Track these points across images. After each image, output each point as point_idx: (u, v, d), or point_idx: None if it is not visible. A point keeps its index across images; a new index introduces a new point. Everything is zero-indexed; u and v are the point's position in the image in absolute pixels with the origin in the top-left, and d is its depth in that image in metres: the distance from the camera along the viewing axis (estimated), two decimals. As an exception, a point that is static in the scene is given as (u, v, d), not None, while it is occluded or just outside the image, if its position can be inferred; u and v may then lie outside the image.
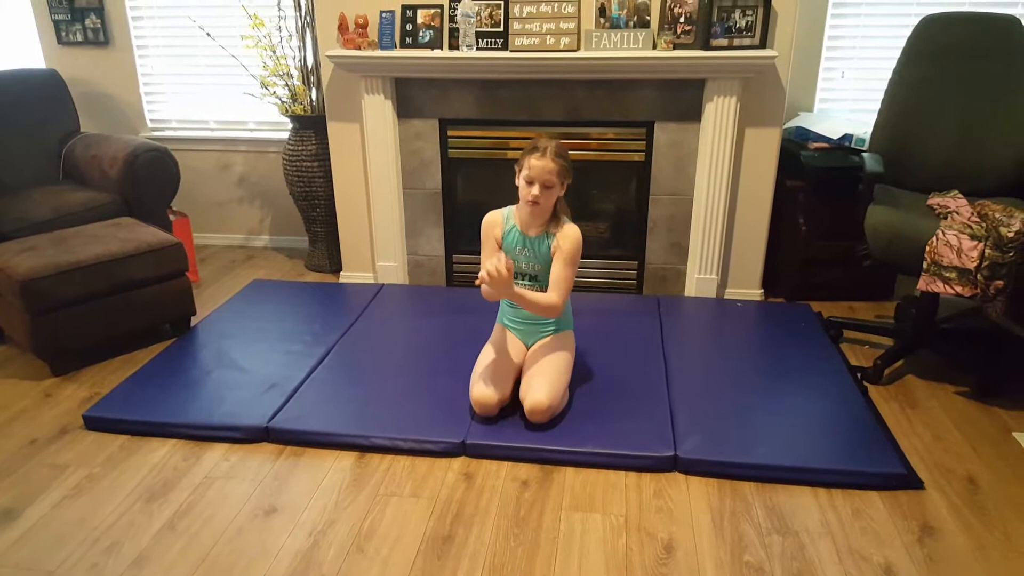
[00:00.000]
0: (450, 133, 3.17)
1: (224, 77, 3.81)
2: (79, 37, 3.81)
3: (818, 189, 3.07)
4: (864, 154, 2.69)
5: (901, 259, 2.46)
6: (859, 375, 2.58)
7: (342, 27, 3.04)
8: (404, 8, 3.00)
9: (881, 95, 2.78)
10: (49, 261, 2.60)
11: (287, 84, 3.41)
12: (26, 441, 2.32)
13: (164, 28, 3.79)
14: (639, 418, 2.30)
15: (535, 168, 2.23)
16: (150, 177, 3.31)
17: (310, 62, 3.41)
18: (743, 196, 3.12)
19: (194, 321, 3.05)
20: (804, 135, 3.14)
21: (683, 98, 2.97)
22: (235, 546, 1.87)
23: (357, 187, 3.35)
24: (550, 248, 2.35)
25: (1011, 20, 2.64)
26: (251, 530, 1.92)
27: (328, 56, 3.02)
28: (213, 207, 4.06)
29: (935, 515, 1.96)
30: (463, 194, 3.33)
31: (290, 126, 3.52)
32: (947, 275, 2.31)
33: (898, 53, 2.75)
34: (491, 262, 2.16)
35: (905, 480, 2.06)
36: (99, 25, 3.77)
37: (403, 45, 3.03)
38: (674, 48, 2.84)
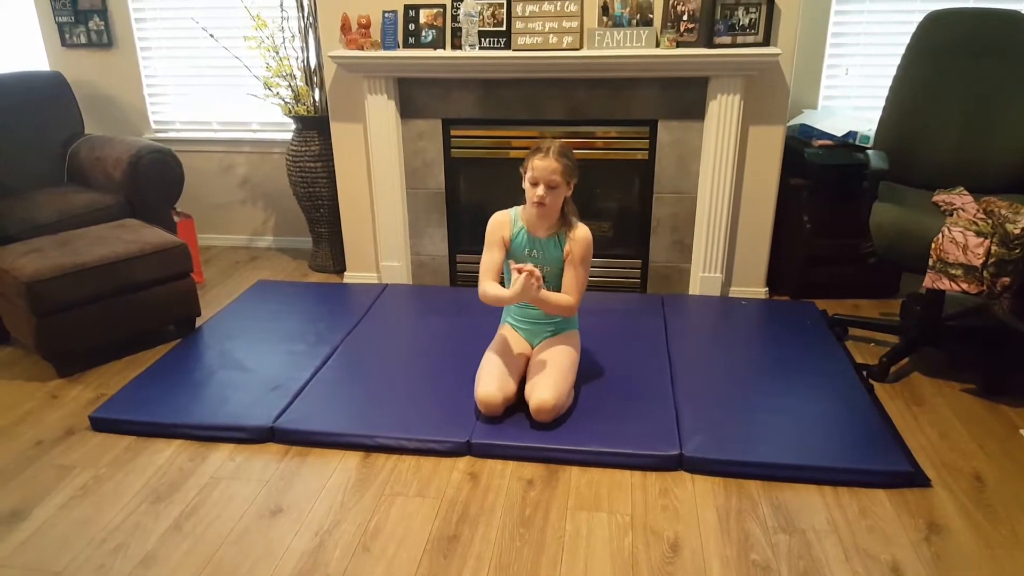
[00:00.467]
0: (453, 133, 3.17)
1: (227, 78, 3.81)
2: (83, 39, 3.82)
3: (822, 186, 3.07)
4: (869, 151, 2.68)
5: (906, 256, 2.45)
6: (865, 373, 2.58)
7: (345, 27, 3.04)
8: (407, 8, 3.00)
9: (885, 92, 2.77)
10: (54, 263, 2.61)
11: (290, 85, 3.41)
12: (32, 442, 2.33)
13: (167, 30, 3.80)
14: (644, 417, 2.29)
15: (539, 169, 2.23)
16: (154, 179, 3.32)
17: (313, 63, 3.42)
18: (747, 194, 3.12)
19: (199, 322, 3.05)
20: (808, 132, 3.13)
21: (686, 96, 2.96)
22: (241, 546, 1.87)
23: (360, 187, 3.35)
24: (562, 251, 2.35)
25: (1016, 16, 2.63)
26: (257, 530, 1.93)
27: (331, 56, 3.02)
28: (217, 208, 4.06)
29: (942, 513, 1.95)
30: (466, 194, 3.33)
31: (293, 127, 3.52)
32: (953, 272, 2.30)
33: (902, 50, 2.74)
34: (528, 266, 2.19)
35: (912, 478, 2.06)
36: (103, 27, 3.78)
37: (406, 45, 3.03)
38: (677, 46, 2.84)
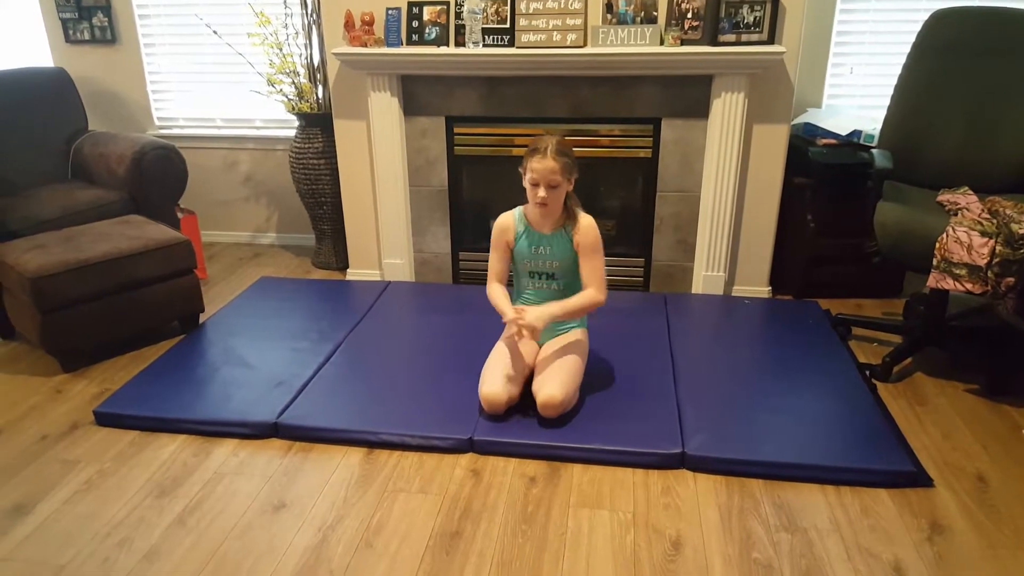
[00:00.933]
0: (456, 130, 3.17)
1: (231, 75, 3.82)
2: (86, 35, 3.82)
3: (826, 186, 3.06)
4: (873, 150, 2.68)
5: (911, 256, 2.45)
6: (867, 372, 2.58)
7: (348, 24, 3.04)
8: (410, 5, 3.00)
9: (890, 91, 2.77)
10: (58, 259, 2.62)
11: (293, 82, 3.41)
12: (37, 437, 2.34)
13: (171, 26, 3.80)
14: (647, 415, 2.30)
15: (538, 170, 2.23)
16: (158, 175, 3.32)
17: (316, 59, 3.42)
18: (751, 193, 3.11)
19: (202, 318, 3.06)
20: (812, 131, 3.12)
21: (690, 94, 2.96)
22: (244, 542, 1.88)
23: (363, 184, 3.35)
24: (570, 244, 2.36)
25: (1022, 15, 2.62)
26: (260, 526, 1.93)
27: (334, 53, 3.02)
28: (220, 205, 4.07)
29: (944, 513, 1.95)
30: (469, 191, 3.33)
31: (296, 124, 3.53)
32: (957, 272, 2.30)
33: (907, 48, 2.74)
34: (519, 320, 2.26)
35: (914, 478, 2.06)
36: (106, 23, 3.78)
37: (409, 42, 3.03)
38: (681, 44, 2.83)
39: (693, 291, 3.25)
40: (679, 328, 2.89)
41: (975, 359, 2.65)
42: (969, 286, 2.29)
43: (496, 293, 2.42)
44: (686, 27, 2.84)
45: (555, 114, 3.07)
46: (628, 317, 3.00)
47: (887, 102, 2.77)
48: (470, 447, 2.22)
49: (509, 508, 1.98)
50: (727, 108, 2.92)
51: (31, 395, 2.58)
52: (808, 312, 3.03)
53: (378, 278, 3.49)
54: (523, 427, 2.25)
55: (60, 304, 2.61)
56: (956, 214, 2.40)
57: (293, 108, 3.44)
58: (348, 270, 3.55)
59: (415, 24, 3.01)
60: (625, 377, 2.52)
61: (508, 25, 2.92)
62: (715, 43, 2.83)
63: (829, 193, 3.07)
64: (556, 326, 2.46)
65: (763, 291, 3.27)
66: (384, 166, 3.23)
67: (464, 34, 2.94)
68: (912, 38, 2.73)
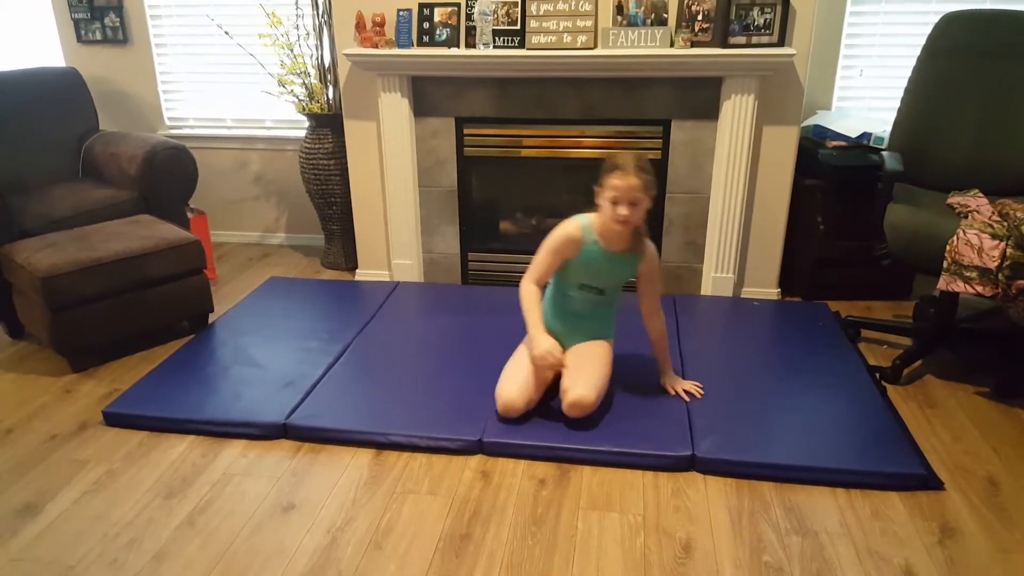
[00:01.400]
0: (466, 131, 3.17)
1: (241, 75, 3.83)
2: (98, 36, 3.84)
3: (836, 188, 3.05)
4: (883, 152, 2.67)
5: (921, 258, 2.44)
6: (877, 375, 2.57)
7: (359, 25, 3.05)
8: (421, 6, 3.00)
9: (900, 93, 2.76)
10: (70, 258, 2.63)
11: (304, 82, 3.42)
12: (46, 436, 2.35)
13: (182, 27, 3.82)
14: (656, 417, 2.29)
15: (620, 188, 2.15)
16: (168, 175, 3.34)
17: (327, 60, 3.42)
18: (760, 194, 3.11)
19: (212, 318, 3.07)
20: (822, 133, 3.11)
21: (700, 96, 2.95)
22: (253, 543, 1.88)
23: (373, 185, 3.35)
24: (634, 269, 2.33)
25: (1034, 17, 2.61)
26: (269, 527, 1.93)
27: (345, 54, 3.03)
28: (230, 205, 4.08)
29: (955, 516, 1.94)
30: (479, 192, 3.33)
31: (307, 124, 3.53)
32: (968, 274, 2.29)
33: (917, 51, 2.73)
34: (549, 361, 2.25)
35: (925, 481, 2.05)
36: (118, 24, 3.80)
37: (420, 43, 3.04)
38: (692, 46, 2.83)
39: (702, 292, 3.24)
40: (688, 330, 2.88)
41: (985, 362, 2.64)
42: (979, 289, 2.28)
43: (530, 297, 2.33)
44: (696, 29, 2.83)
45: (565, 115, 3.07)
46: (637, 319, 2.98)
47: (897, 104, 2.76)
48: (479, 448, 2.22)
49: (519, 510, 1.98)
50: (737, 110, 2.91)
51: (40, 395, 2.59)
52: (818, 314, 3.02)
53: (387, 278, 3.49)
54: (533, 429, 2.25)
55: (70, 303, 2.62)
56: (966, 216, 2.39)
57: (303, 108, 3.45)
58: (357, 270, 3.56)
59: (426, 25, 3.01)
60: (635, 379, 2.51)
61: (519, 27, 2.92)
62: (725, 45, 2.82)
63: (839, 195, 3.06)
64: (585, 332, 2.42)
65: (772, 293, 3.26)
66: (394, 167, 3.23)
67: (475, 35, 2.95)
68: (922, 40, 2.72)
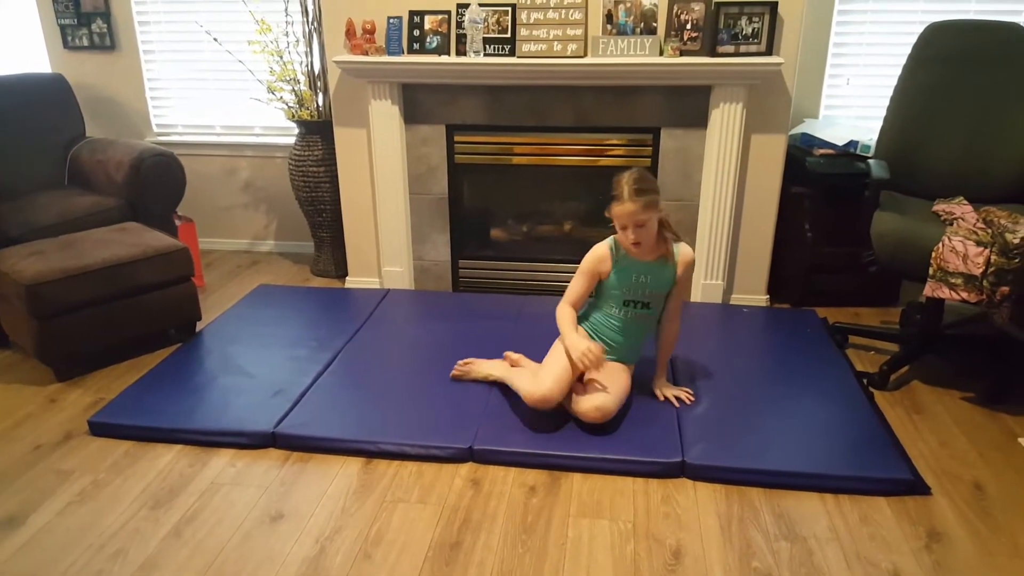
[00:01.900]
0: (457, 139, 3.18)
1: (231, 82, 3.82)
2: (85, 42, 3.82)
3: (824, 195, 3.08)
4: (870, 160, 2.69)
5: (907, 265, 2.46)
6: (865, 381, 2.58)
7: (349, 32, 3.05)
8: (411, 14, 3.01)
9: (886, 102, 2.79)
10: (55, 265, 2.61)
11: (294, 89, 3.42)
12: (31, 447, 2.32)
13: (171, 33, 3.81)
14: (646, 424, 2.29)
15: (621, 216, 2.20)
16: (156, 182, 3.32)
17: (317, 67, 3.42)
18: (749, 202, 3.13)
19: (200, 326, 3.05)
20: (810, 141, 3.14)
21: (689, 104, 2.97)
22: (241, 553, 1.86)
23: (363, 192, 3.35)
24: (672, 274, 2.33)
25: (1016, 28, 2.65)
26: (258, 536, 1.92)
27: (335, 61, 3.03)
28: (219, 212, 4.06)
29: (942, 521, 1.96)
30: (470, 199, 3.34)
31: (296, 131, 3.53)
32: (953, 281, 2.31)
33: (903, 60, 2.76)
34: (587, 361, 2.21)
35: (912, 486, 2.06)
36: (105, 30, 3.78)
37: (410, 51, 3.04)
38: (680, 55, 2.85)
39: (692, 299, 3.25)
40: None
41: (972, 367, 2.66)
42: (965, 295, 2.30)
43: (565, 315, 2.35)
44: (685, 38, 2.85)
45: (555, 123, 3.08)
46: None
47: (883, 113, 2.79)
48: (469, 456, 2.21)
49: (509, 518, 1.98)
50: (726, 118, 2.93)
51: (25, 404, 2.56)
52: (806, 320, 3.04)
53: (377, 286, 3.49)
54: (523, 436, 2.25)
55: (55, 311, 2.60)
56: (952, 224, 2.42)
57: (293, 115, 3.44)
58: (347, 278, 3.55)
59: (416, 33, 3.02)
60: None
61: (509, 35, 2.94)
62: (714, 54, 2.84)
63: (826, 203, 3.08)
64: (612, 355, 2.40)
65: (761, 299, 3.27)
66: (384, 174, 3.23)
67: (465, 43, 2.95)
68: (908, 50, 2.75)
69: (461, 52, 3.00)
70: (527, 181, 3.32)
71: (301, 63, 3.43)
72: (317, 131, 3.45)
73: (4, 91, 3.45)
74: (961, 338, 2.83)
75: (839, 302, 3.25)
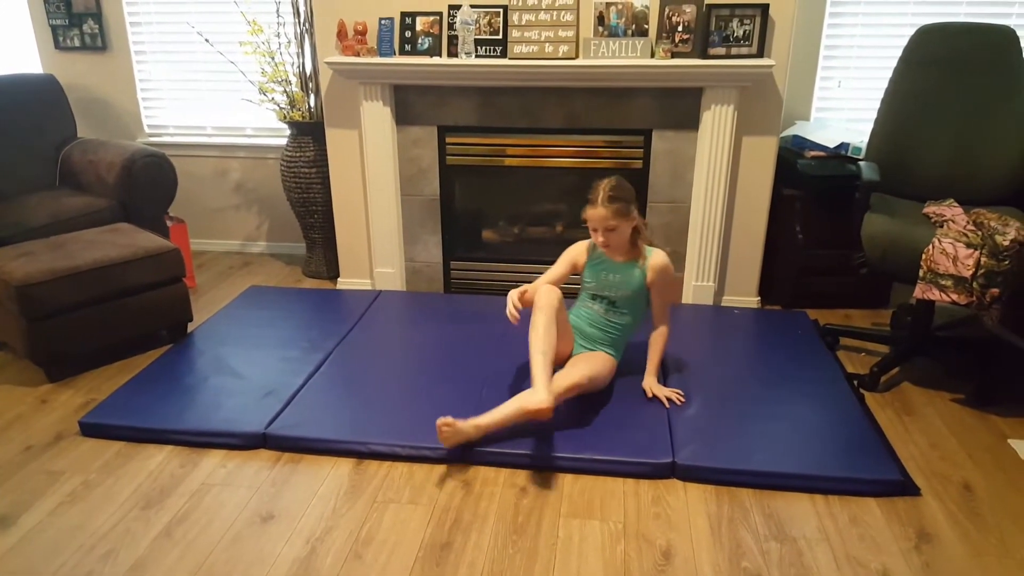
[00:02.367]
0: (448, 140, 3.18)
1: (222, 83, 3.81)
2: (77, 42, 3.81)
3: (815, 197, 3.09)
4: (860, 163, 2.71)
5: (897, 267, 2.47)
6: (856, 382, 2.59)
7: (341, 34, 3.05)
8: (403, 15, 3.01)
9: (877, 104, 2.80)
10: (46, 266, 2.60)
11: (285, 90, 3.42)
12: (21, 447, 2.31)
13: (162, 34, 3.80)
14: (637, 425, 2.30)
15: (593, 219, 2.35)
16: (147, 183, 3.31)
17: (309, 68, 3.42)
18: (740, 204, 3.14)
19: (191, 327, 3.04)
20: (801, 144, 3.15)
21: (681, 106, 2.98)
22: (232, 553, 1.86)
23: (355, 193, 3.35)
24: (642, 279, 2.43)
25: (1006, 31, 2.66)
26: (248, 537, 1.92)
27: (327, 63, 3.03)
28: (210, 213, 4.05)
29: (932, 522, 1.96)
30: (461, 201, 3.34)
31: (288, 132, 3.52)
32: (943, 283, 2.32)
33: (894, 63, 2.77)
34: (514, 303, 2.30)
35: (902, 487, 2.07)
36: (97, 30, 3.77)
37: (402, 52, 3.04)
38: (672, 56, 2.86)
39: (683, 301, 3.26)
40: (670, 338, 2.88)
41: (962, 369, 2.68)
42: (955, 297, 2.31)
43: (536, 283, 2.43)
44: (676, 40, 2.86)
45: (547, 124, 3.09)
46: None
47: (874, 115, 2.80)
48: (460, 457, 2.21)
49: (499, 518, 1.98)
50: (717, 120, 2.94)
51: (15, 405, 2.55)
52: (797, 322, 3.05)
53: (369, 287, 3.48)
54: (513, 437, 2.25)
55: (46, 312, 2.59)
56: (942, 226, 2.43)
57: (285, 117, 3.44)
58: (339, 279, 3.54)
59: (408, 34, 3.02)
60: (616, 387, 2.52)
61: (500, 36, 2.94)
62: (705, 56, 2.85)
63: (817, 205, 3.09)
64: (592, 345, 2.49)
65: (752, 301, 3.28)
66: (376, 175, 3.23)
67: (457, 44, 2.96)
68: (898, 52, 2.77)
69: (453, 53, 3.00)
70: (519, 183, 3.33)
71: (293, 64, 3.42)
72: (309, 132, 3.45)
73: (-5, 91, 3.44)
74: (951, 340, 2.85)
75: (830, 304, 3.26)
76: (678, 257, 3.21)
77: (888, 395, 2.58)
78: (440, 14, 2.99)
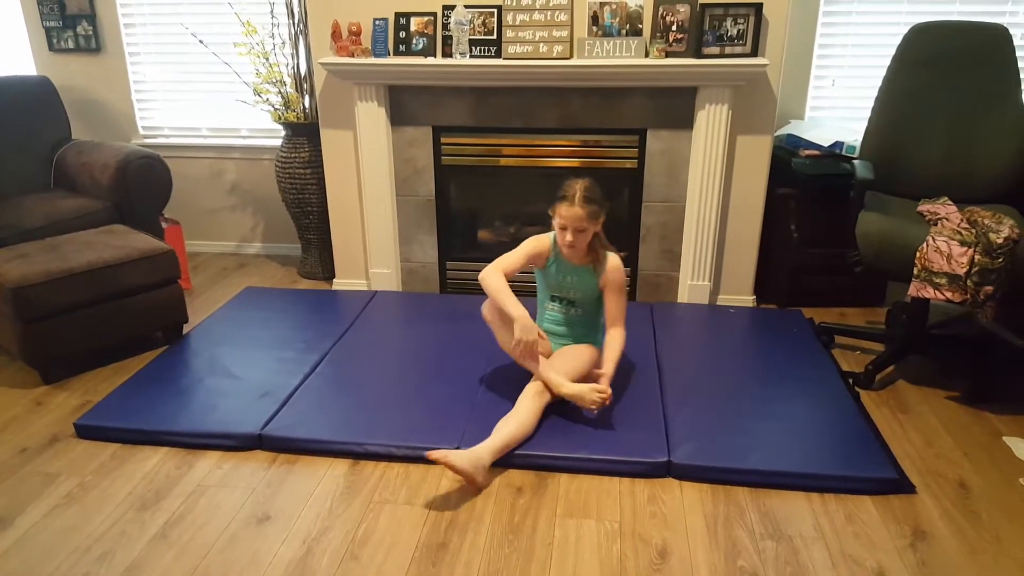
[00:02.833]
0: (443, 140, 3.18)
1: (217, 84, 3.81)
2: (71, 44, 3.80)
3: (809, 196, 3.10)
4: (855, 161, 2.71)
5: (892, 265, 2.48)
6: (851, 380, 2.60)
7: (335, 34, 3.05)
8: (397, 16, 3.01)
9: (871, 103, 2.81)
10: (41, 268, 2.59)
11: (280, 91, 3.41)
12: (17, 450, 2.31)
13: (156, 35, 3.79)
14: (633, 424, 2.30)
15: (566, 216, 2.32)
16: (142, 184, 3.30)
17: (303, 69, 3.42)
18: (735, 203, 3.14)
19: (186, 329, 3.03)
20: (795, 142, 3.16)
21: (675, 106, 2.99)
22: (228, 554, 1.86)
23: (350, 194, 3.35)
24: (595, 281, 2.44)
25: (999, 29, 2.67)
26: (244, 538, 1.91)
27: (321, 63, 3.03)
28: (205, 214, 4.05)
29: (927, 519, 1.97)
30: (456, 201, 3.34)
31: (283, 133, 3.52)
32: (937, 281, 2.33)
33: (888, 61, 2.78)
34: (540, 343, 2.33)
35: (897, 485, 2.07)
36: (91, 32, 3.76)
37: (396, 52, 3.04)
38: (666, 56, 2.86)
39: (679, 300, 3.26)
40: (665, 337, 2.90)
41: (956, 367, 2.68)
42: (949, 295, 2.32)
43: (498, 280, 2.37)
44: (671, 40, 2.86)
45: (542, 124, 3.09)
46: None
47: (868, 114, 2.81)
48: (457, 457, 2.21)
49: (496, 518, 1.98)
50: (711, 119, 2.94)
51: (10, 407, 2.54)
52: (792, 321, 3.06)
53: (365, 288, 3.48)
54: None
55: (41, 314, 2.58)
56: (936, 224, 2.43)
57: (279, 117, 3.43)
58: (334, 280, 3.54)
59: (402, 35, 3.02)
60: (612, 386, 2.51)
61: (495, 36, 2.94)
62: (699, 55, 2.86)
63: (812, 203, 3.10)
64: (572, 339, 2.52)
65: (748, 300, 3.29)
66: (371, 176, 3.23)
67: (451, 45, 2.96)
68: (892, 51, 2.77)
69: (447, 54, 3.00)
70: (514, 183, 3.33)
71: (287, 65, 3.42)
72: (304, 133, 3.45)
73: (-11, 93, 3.43)
74: (946, 338, 2.86)
75: (825, 302, 3.27)
76: (673, 256, 3.21)
77: (883, 393, 2.59)
78: (434, 14, 2.99)
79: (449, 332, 2.95)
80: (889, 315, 3.08)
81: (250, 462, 2.23)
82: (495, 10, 2.92)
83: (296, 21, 3.36)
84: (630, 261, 3.26)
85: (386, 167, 3.21)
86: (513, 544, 1.88)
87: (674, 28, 2.85)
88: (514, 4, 2.89)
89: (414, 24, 3.00)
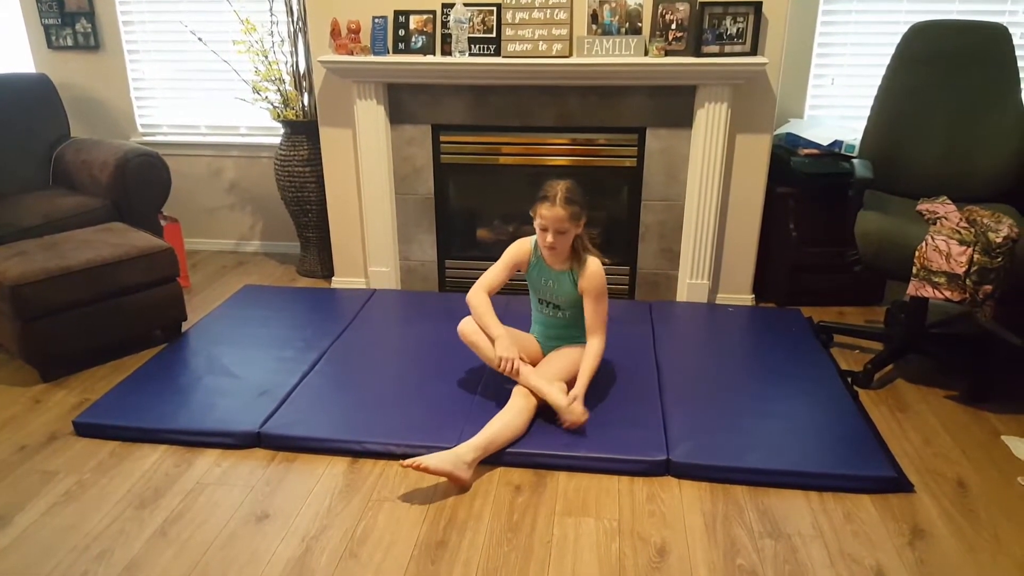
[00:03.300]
0: (443, 139, 3.18)
1: (216, 82, 3.80)
2: (69, 42, 3.80)
3: (808, 195, 3.10)
4: (854, 160, 2.71)
5: (891, 264, 2.48)
6: (850, 379, 2.60)
7: (334, 32, 3.04)
8: (397, 14, 3.01)
9: (871, 102, 2.81)
10: (39, 266, 2.59)
11: (279, 89, 3.41)
12: (15, 448, 2.30)
13: (155, 33, 3.79)
14: (632, 423, 2.30)
15: (547, 217, 2.29)
16: (141, 182, 3.30)
17: (302, 67, 3.41)
18: (734, 202, 3.14)
19: (185, 327, 3.03)
20: (794, 141, 3.16)
21: (674, 104, 2.98)
22: (227, 553, 1.86)
23: (349, 192, 3.34)
24: (575, 285, 2.40)
25: (998, 28, 2.67)
26: (243, 536, 1.91)
27: (320, 61, 3.03)
28: (204, 212, 4.04)
29: (925, 518, 1.97)
30: (456, 200, 3.34)
31: (282, 131, 3.52)
32: (936, 280, 2.33)
33: (887, 60, 2.78)
34: (517, 364, 2.32)
35: (896, 484, 2.07)
36: (90, 29, 3.76)
37: (396, 51, 3.04)
38: (665, 55, 2.86)
39: (678, 299, 3.26)
40: (664, 336, 2.90)
41: (955, 366, 2.68)
42: (948, 294, 2.32)
43: (481, 302, 2.43)
44: (670, 38, 2.86)
45: (541, 123, 3.09)
46: (613, 325, 2.98)
47: (867, 113, 2.81)
48: (455, 456, 2.21)
49: (494, 517, 1.98)
50: (711, 118, 2.94)
51: (9, 405, 2.54)
52: (791, 320, 3.06)
53: (364, 286, 3.48)
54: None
55: (40, 312, 2.58)
56: (935, 223, 2.44)
57: (278, 115, 3.43)
58: (333, 278, 3.54)
59: (401, 33, 3.01)
60: (610, 385, 2.52)
61: (494, 35, 2.94)
62: (699, 54, 2.86)
63: (811, 202, 3.10)
64: (560, 342, 2.52)
65: (747, 299, 3.29)
66: (370, 174, 3.23)
67: (450, 43, 2.95)
68: (892, 50, 2.77)
69: (446, 52, 3.00)
70: (513, 181, 3.33)
71: (286, 63, 3.42)
72: (303, 131, 3.44)
73: (-13, 91, 3.43)
74: (945, 337, 2.86)
75: (824, 301, 3.27)
76: (672, 255, 3.21)
77: (882, 392, 2.59)
78: (434, 12, 2.99)
79: (448, 330, 2.94)
80: (888, 314, 3.08)
81: (249, 460, 2.23)
82: (494, 8, 2.92)
83: (295, 19, 3.35)
84: (629, 260, 3.26)
85: (385, 165, 3.21)
86: (512, 542, 1.88)
87: (673, 27, 2.85)
88: (513, 2, 2.89)
89: (413, 22, 3.00)
